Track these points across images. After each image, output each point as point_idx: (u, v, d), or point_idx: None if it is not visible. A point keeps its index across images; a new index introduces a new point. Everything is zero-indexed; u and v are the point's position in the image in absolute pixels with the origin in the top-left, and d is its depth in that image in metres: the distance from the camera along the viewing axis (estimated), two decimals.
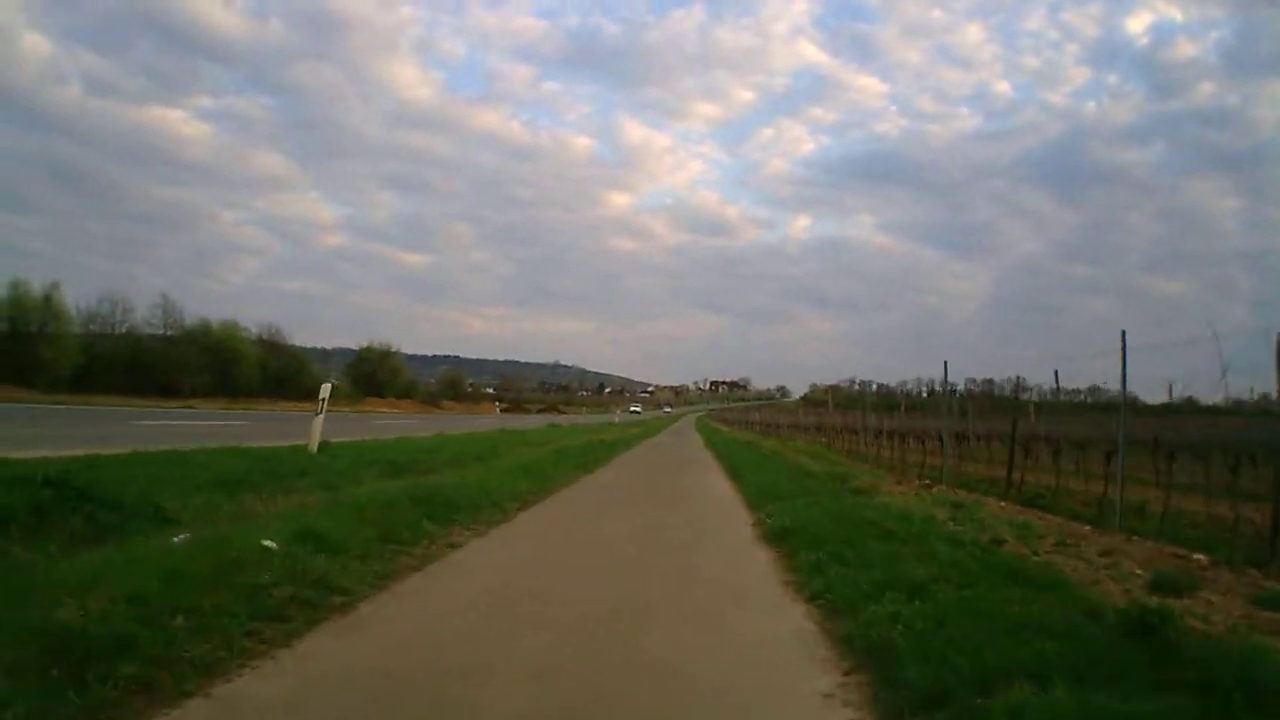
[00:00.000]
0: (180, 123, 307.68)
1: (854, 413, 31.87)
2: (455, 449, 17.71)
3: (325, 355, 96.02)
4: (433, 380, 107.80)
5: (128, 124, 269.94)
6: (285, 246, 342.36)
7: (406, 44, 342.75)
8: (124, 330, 56.26)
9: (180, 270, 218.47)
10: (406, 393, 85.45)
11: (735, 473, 17.23)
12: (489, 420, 50.28)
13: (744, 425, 64.45)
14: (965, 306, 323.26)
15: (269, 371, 61.29)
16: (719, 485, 15.34)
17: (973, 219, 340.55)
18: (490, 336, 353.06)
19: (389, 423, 38.05)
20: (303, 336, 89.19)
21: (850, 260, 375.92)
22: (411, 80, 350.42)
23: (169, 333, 57.59)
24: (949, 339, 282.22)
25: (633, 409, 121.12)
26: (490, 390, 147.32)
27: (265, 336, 66.00)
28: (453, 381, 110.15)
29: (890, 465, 20.20)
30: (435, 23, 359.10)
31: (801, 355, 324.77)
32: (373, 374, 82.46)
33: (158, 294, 57.89)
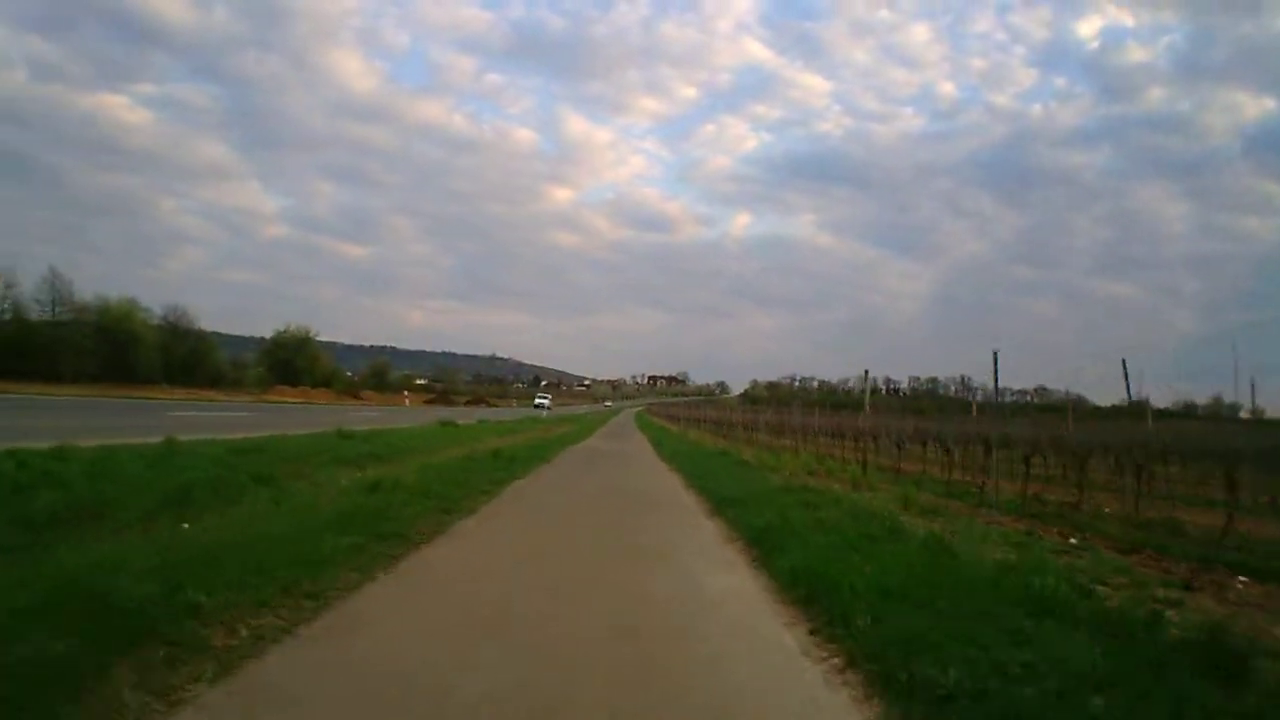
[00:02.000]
0: (123, 109, 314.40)
1: (790, 410, 31.28)
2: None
3: (253, 343, 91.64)
4: (354, 372, 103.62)
5: (72, 110, 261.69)
6: (227, 236, 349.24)
7: (350, 34, 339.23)
8: (7, 308, 51.69)
9: (121, 258, 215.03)
10: (326, 381, 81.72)
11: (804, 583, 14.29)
12: (374, 413, 41.89)
13: (692, 423, 62.67)
14: (908, 306, 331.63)
15: (171, 356, 58.07)
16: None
17: (916, 219, 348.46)
18: (429, 329, 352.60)
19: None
20: (243, 326, 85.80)
21: (791, 258, 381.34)
22: (355, 70, 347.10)
23: (59, 312, 53.49)
24: (892, 337, 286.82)
25: (538, 401, 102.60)
26: (421, 381, 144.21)
27: (170, 318, 62.52)
28: (379, 371, 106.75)
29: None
30: (379, 13, 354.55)
31: (740, 352, 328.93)
32: (289, 361, 79.05)
33: (48, 270, 52.29)
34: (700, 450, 25.91)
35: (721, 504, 10.92)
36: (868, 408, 21.21)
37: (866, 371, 17.90)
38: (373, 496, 9.22)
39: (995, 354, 12.00)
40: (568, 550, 7.63)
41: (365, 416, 33.56)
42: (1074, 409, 16.75)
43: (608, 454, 24.32)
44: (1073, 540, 9.37)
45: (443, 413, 47.53)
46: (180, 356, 59.30)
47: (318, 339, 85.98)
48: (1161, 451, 13.00)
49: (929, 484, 16.04)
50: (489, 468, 14.47)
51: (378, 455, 14.86)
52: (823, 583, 5.73)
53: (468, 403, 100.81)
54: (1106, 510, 12.45)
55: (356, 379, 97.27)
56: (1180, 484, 14.86)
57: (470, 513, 9.57)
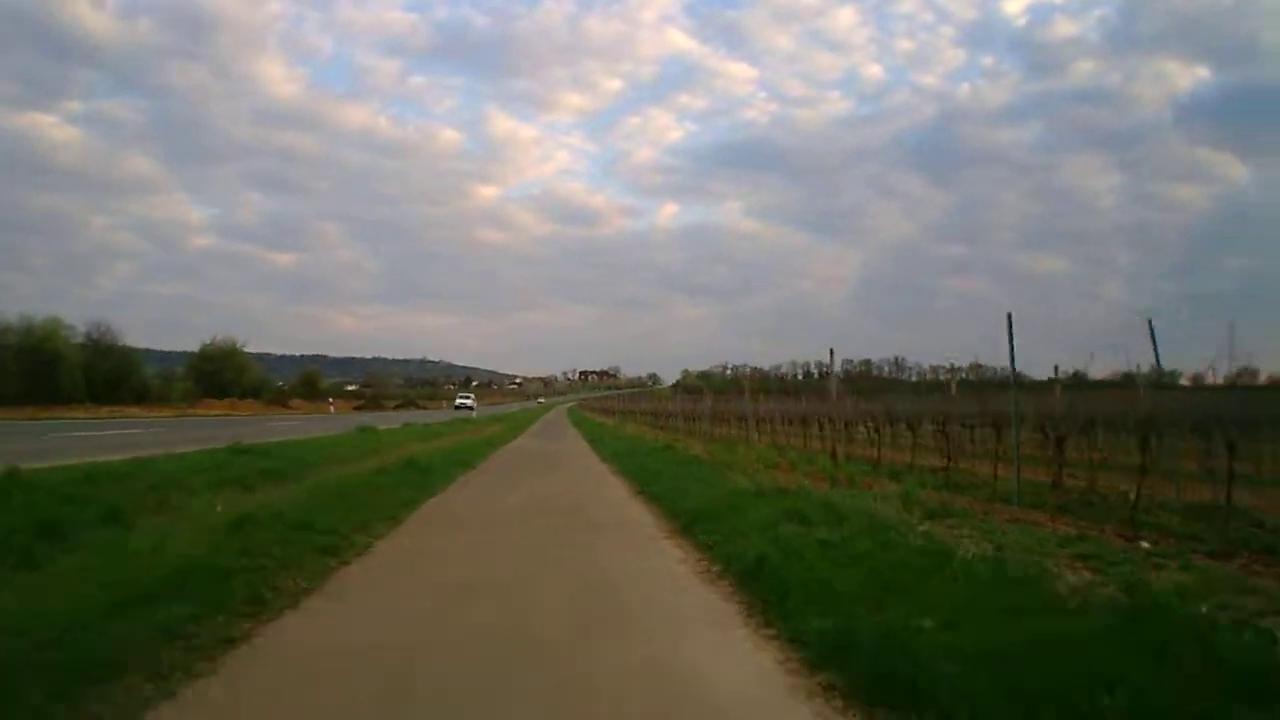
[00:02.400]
0: (52, 128, 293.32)
1: (730, 397, 29.29)
2: None
3: (185, 356, 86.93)
4: (286, 382, 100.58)
5: (3, 131, 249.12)
6: (155, 250, 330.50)
7: (274, 40, 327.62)
8: None
9: (54, 277, 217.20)
10: (255, 392, 78.79)
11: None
12: (293, 422, 37.98)
13: (627, 415, 60.00)
14: (838, 289, 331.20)
15: (94, 374, 55.57)
16: None
17: (843, 202, 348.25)
18: (359, 334, 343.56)
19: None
20: (175, 341, 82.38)
21: (719, 247, 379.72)
22: (278, 77, 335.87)
23: None
24: (823, 322, 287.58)
25: (460, 401, 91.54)
26: (352, 388, 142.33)
27: (93, 335, 59.82)
28: (308, 379, 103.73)
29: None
30: (302, 18, 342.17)
31: (671, 343, 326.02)
32: (216, 373, 75.79)
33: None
34: (641, 445, 23.33)
35: (684, 520, 8.88)
36: (835, 390, 18.91)
37: (831, 351, 15.95)
38: (235, 536, 6.70)
39: (1010, 317, 10.41)
40: (480, 621, 5.11)
41: (282, 426, 29.67)
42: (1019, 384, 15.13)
43: (540, 456, 21.88)
44: (1144, 544, 7.36)
45: (367, 418, 44.54)
46: (104, 374, 56.86)
47: (247, 350, 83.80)
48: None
49: (916, 475, 14.02)
50: (400, 482, 12.00)
51: (274, 472, 12.10)
52: (891, 669, 3.52)
53: (397, 406, 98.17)
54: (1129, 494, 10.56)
55: (286, 388, 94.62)
56: (1186, 459, 13.03)
57: (361, 552, 7.18)
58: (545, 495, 12.24)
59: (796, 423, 24.23)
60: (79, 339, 57.73)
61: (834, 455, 16.75)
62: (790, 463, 15.52)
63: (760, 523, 7.42)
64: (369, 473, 12.75)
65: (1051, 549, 6.90)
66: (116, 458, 12.46)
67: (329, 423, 37.15)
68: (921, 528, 7.27)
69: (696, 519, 8.57)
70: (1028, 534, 7.78)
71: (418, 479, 12.74)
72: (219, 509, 8.20)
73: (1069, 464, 13.17)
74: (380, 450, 18.34)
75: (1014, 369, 10.74)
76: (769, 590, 5.29)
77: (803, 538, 6.48)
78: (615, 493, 12.79)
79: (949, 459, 14.64)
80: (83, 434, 21.98)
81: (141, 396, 59.67)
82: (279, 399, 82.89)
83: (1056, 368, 16.86)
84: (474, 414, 65.37)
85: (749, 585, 5.65)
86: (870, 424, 18.38)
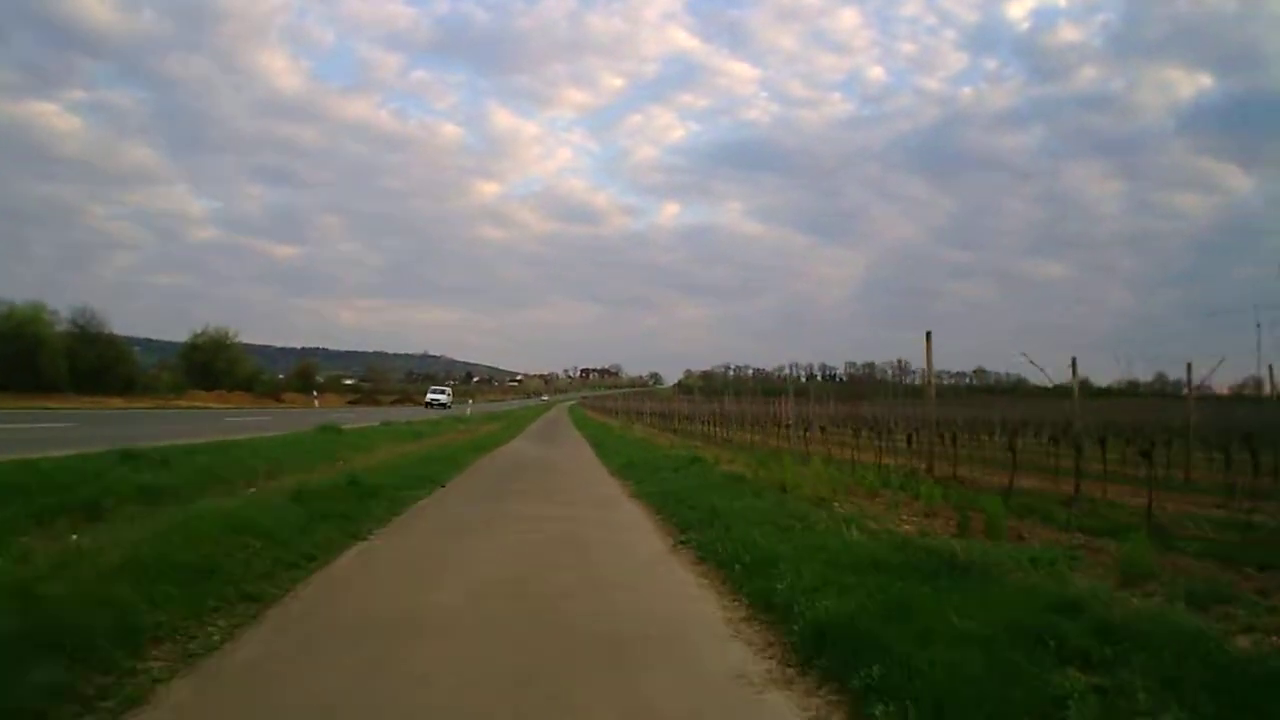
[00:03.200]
0: (54, 116, 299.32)
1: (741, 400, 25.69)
2: None
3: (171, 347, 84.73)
4: (283, 374, 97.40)
5: (5, 119, 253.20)
6: (156, 241, 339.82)
7: (276, 32, 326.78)
8: None
9: (54, 267, 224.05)
10: (247, 384, 75.59)
11: None
12: (263, 418, 32.20)
13: (632, 416, 56.46)
14: (838, 291, 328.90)
15: (78, 362, 52.75)
16: None
17: (845, 204, 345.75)
18: (361, 328, 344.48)
19: None
20: (174, 331, 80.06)
21: (719, 247, 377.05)
22: (281, 69, 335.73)
23: None
24: (823, 324, 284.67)
25: (432, 395, 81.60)
26: (350, 381, 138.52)
27: (79, 321, 56.77)
28: (304, 373, 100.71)
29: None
30: (304, 10, 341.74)
31: (671, 342, 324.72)
32: (207, 364, 73.17)
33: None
34: (657, 454, 19.83)
35: (815, 640, 4.55)
36: (931, 390, 14.74)
37: (929, 334, 12.15)
38: None
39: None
40: None
41: (242, 423, 25.38)
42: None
43: (534, 468, 17.61)
44: None
45: (353, 414, 42.28)
46: (89, 362, 53.86)
47: (242, 341, 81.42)
48: None
49: (1023, 498, 10.82)
50: (311, 519, 8.10)
51: (152, 493, 8.65)
52: None
53: (394, 401, 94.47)
54: None
55: (282, 380, 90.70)
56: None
57: None
58: (538, 546, 8.05)
59: (841, 429, 20.59)
60: (64, 326, 55.07)
61: (929, 470, 13.04)
62: (868, 486, 11.87)
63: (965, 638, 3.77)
64: (281, 500, 8.78)
65: None
66: None
67: (310, 417, 33.20)
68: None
69: (841, 638, 4.39)
70: None
71: (353, 510, 9.14)
72: None
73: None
74: (333, 457, 14.87)
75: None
76: None
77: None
78: (649, 542, 8.58)
79: (1076, 485, 11.24)
80: None
81: (128, 387, 57.06)
82: (272, 392, 79.61)
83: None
84: (450, 410, 61.10)
85: None
86: (951, 434, 14.73)
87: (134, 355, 64.20)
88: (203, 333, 76.58)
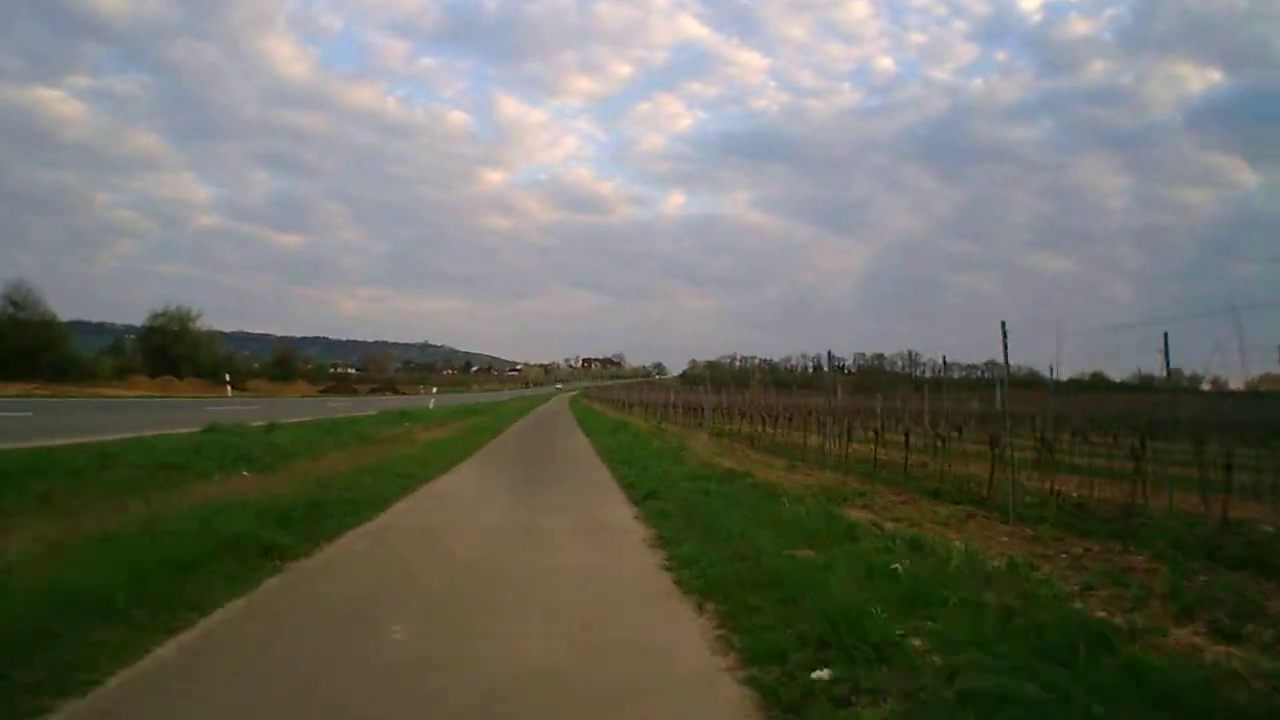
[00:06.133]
0: (59, 102, 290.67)
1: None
2: None
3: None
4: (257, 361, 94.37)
5: (8, 105, 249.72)
6: (160, 228, 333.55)
7: (284, 18, 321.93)
8: None
9: (58, 254, 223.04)
10: (212, 371, 68.21)
11: None
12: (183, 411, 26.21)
13: (641, 409, 50.08)
14: (843, 282, 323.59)
15: (8, 345, 50.11)
16: None
17: (852, 195, 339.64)
18: (362, 317, 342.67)
19: None
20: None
21: (725, 237, 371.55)
22: (287, 56, 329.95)
23: None
24: (829, 315, 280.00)
25: None
26: (351, 371, 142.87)
27: (13, 297, 54.45)
28: (283, 360, 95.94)
29: None
30: None
31: (675, 332, 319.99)
32: (165, 349, 68.03)
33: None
34: (698, 471, 13.36)
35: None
36: (1001, 390, 9.06)
37: (1004, 324, 6.75)
38: None
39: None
40: None
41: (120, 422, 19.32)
42: None
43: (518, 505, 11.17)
44: None
45: (288, 406, 35.30)
46: (21, 345, 51.08)
47: (246, 331, 79.78)
48: None
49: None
50: None
51: None
52: None
53: (371, 391, 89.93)
54: None
55: (259, 368, 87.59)
56: None
57: None
58: None
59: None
60: None
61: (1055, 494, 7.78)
62: None
63: None
64: None
65: None
66: None
67: (206, 411, 26.42)
68: None
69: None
70: None
71: None
72: None
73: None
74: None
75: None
76: None
77: None
78: None
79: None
80: None
81: (62, 373, 52.50)
82: (238, 380, 72.38)
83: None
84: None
85: None
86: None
87: (68, 338, 60.33)
88: (161, 313, 71.14)
